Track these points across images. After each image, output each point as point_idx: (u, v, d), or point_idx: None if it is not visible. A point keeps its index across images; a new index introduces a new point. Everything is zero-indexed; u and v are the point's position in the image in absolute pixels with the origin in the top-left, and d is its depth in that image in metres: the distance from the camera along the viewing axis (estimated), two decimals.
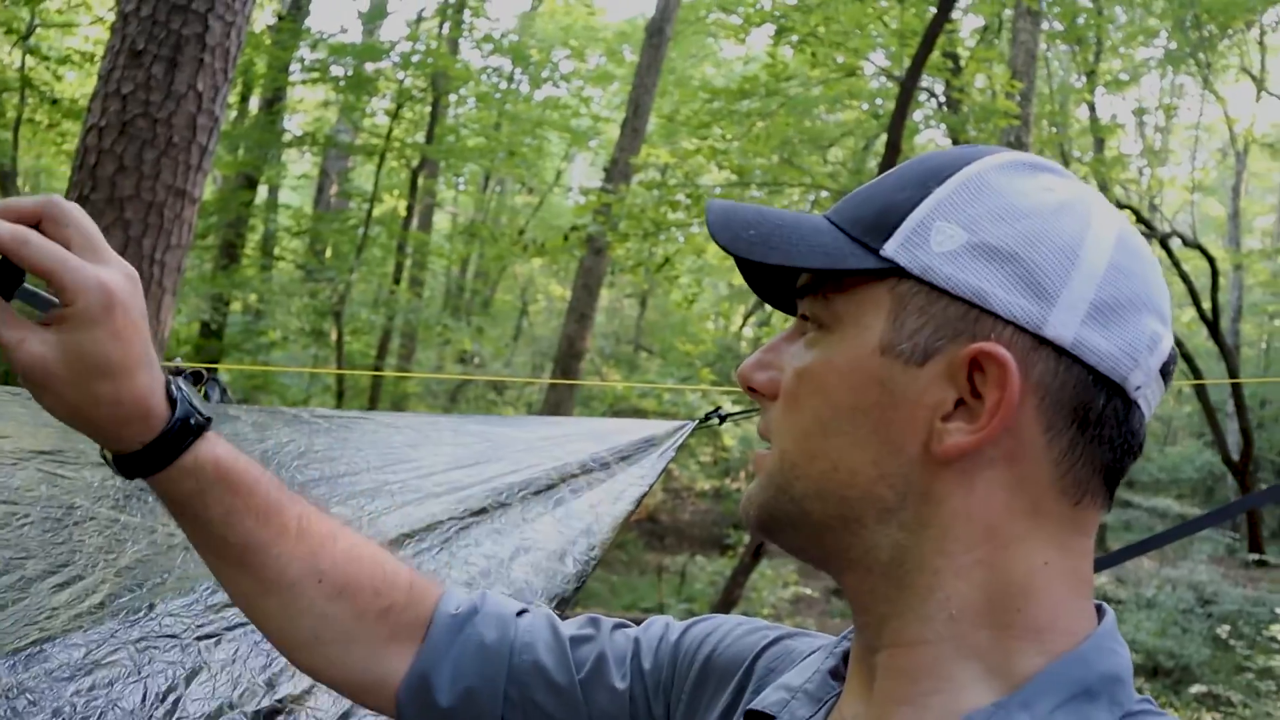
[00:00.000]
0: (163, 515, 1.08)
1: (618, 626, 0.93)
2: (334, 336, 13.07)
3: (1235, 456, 15.80)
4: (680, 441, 1.49)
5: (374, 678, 0.87)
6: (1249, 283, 24.00)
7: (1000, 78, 8.71)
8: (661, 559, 15.13)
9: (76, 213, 0.74)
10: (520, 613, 0.91)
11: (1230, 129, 21.74)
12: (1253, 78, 20.11)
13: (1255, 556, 15.46)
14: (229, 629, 0.97)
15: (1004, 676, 0.66)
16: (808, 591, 13.63)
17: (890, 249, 0.68)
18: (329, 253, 14.92)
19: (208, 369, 1.39)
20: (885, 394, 0.67)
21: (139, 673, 0.88)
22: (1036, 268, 0.66)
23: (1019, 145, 8.64)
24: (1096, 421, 0.66)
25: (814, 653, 0.82)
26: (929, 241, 0.67)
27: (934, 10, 6.84)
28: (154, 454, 0.78)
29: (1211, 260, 15.62)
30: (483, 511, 1.24)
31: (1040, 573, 0.67)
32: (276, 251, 14.72)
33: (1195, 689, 10.70)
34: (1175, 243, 16.57)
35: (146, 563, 1.00)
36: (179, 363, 1.38)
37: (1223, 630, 11.92)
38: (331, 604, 0.85)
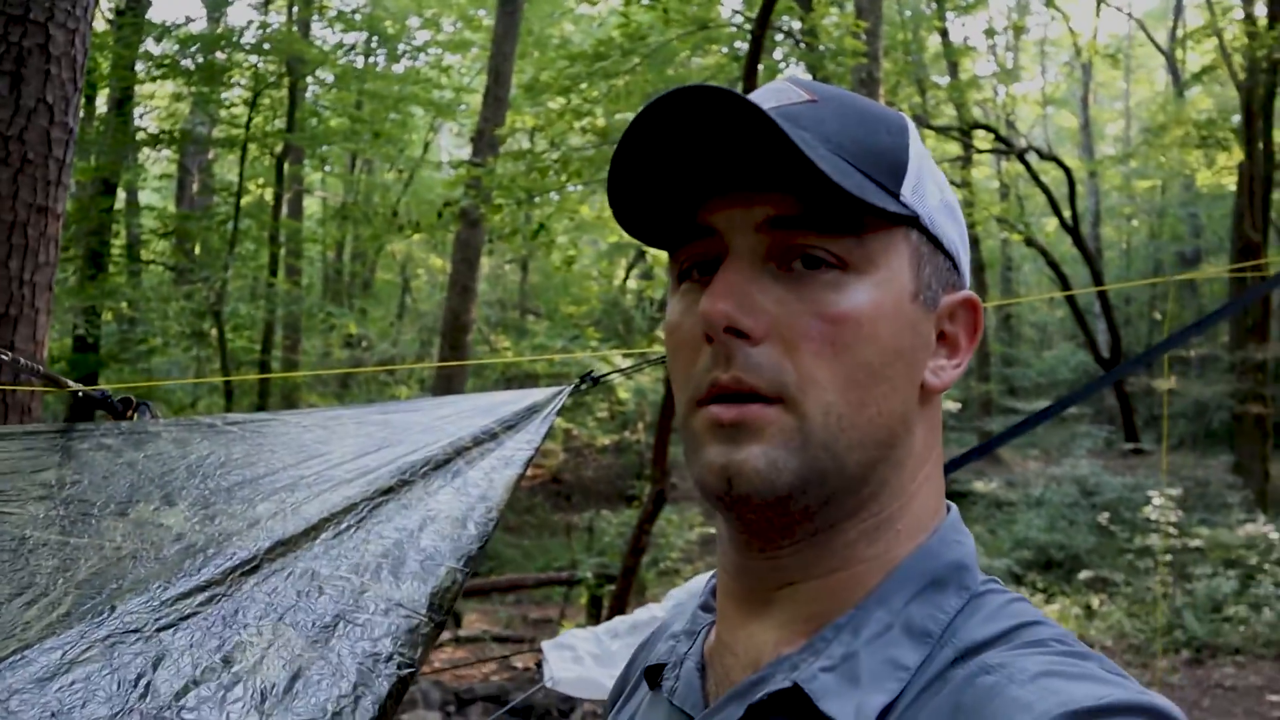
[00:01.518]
0: (108, 534, 1.22)
1: None
2: (215, 335, 12.81)
3: (1106, 354, 16.68)
4: (559, 405, 1.68)
5: None
6: (1104, 188, 25.16)
7: (846, 18, 9.00)
8: (569, 518, 15.34)
9: None
10: None
11: (1075, 43, 22.61)
12: None
13: (1131, 446, 16.42)
14: (183, 619, 1.13)
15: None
16: (712, 531, 14.02)
17: (908, 195, 0.69)
18: (199, 250, 14.56)
19: (135, 397, 1.51)
20: (916, 337, 0.70)
21: (111, 665, 1.03)
22: (964, 226, 0.76)
23: (870, 80, 8.98)
24: (977, 340, 0.76)
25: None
26: (926, 194, 0.70)
27: None
28: None
29: (1068, 170, 16.35)
30: (390, 490, 1.41)
31: (938, 478, 0.75)
32: (144, 255, 14.30)
33: (1083, 575, 11.39)
34: (1032, 157, 17.29)
35: (101, 574, 1.14)
36: (105, 390, 1.49)
37: (1103, 518, 12.67)
38: None
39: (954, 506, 0.76)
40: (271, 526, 1.27)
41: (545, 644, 2.36)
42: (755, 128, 0.64)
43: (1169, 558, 10.80)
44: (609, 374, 2.10)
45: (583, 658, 2.22)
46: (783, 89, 0.72)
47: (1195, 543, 11.03)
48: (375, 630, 1.20)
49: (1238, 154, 14.79)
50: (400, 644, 1.20)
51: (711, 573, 0.83)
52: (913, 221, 0.69)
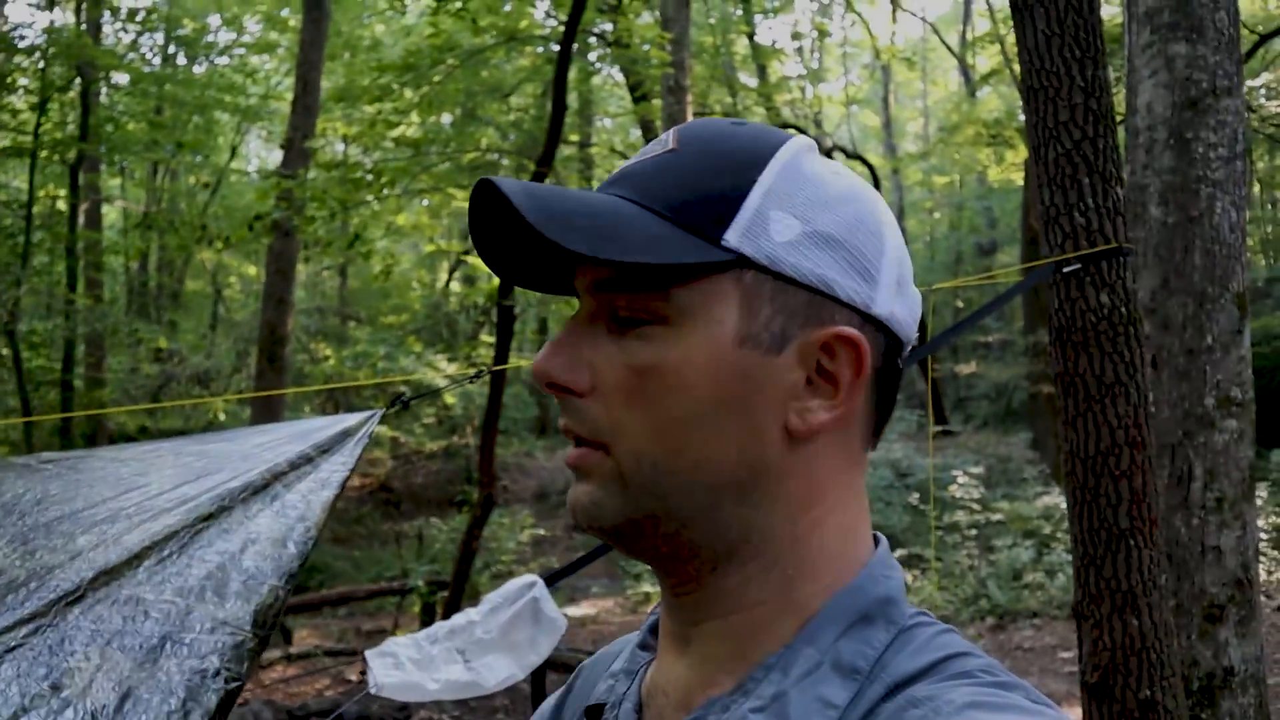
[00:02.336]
0: None
1: None
2: (10, 355, 12.08)
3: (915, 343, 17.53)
4: (371, 429, 1.79)
5: None
6: (907, 184, 26.56)
7: (651, 28, 9.27)
8: (400, 526, 15.16)
9: None
10: None
11: (875, 46, 23.77)
12: None
13: (940, 428, 17.42)
14: (8, 651, 1.19)
15: (805, 618, 0.70)
16: (542, 532, 14.14)
17: (733, 240, 0.67)
18: None
19: None
20: (747, 383, 0.68)
21: None
22: (861, 252, 0.70)
23: (678, 88, 9.29)
24: (894, 377, 0.74)
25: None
26: (769, 231, 0.68)
27: None
28: None
29: (871, 168, 17.25)
30: (211, 516, 1.49)
31: (848, 516, 0.73)
32: None
33: (898, 553, 12.02)
34: (839, 155, 18.14)
35: None
36: None
37: (914, 498, 13.40)
38: None
39: (884, 540, 0.76)
40: (93, 557, 1.33)
41: (368, 652, 2.46)
42: (518, 215, 0.68)
43: (974, 532, 11.54)
44: (420, 395, 2.21)
45: (404, 663, 2.34)
46: (658, 141, 0.74)
47: (997, 516, 11.81)
48: (202, 648, 1.29)
49: (1023, 152, 15.90)
50: (227, 660, 1.29)
51: (652, 610, 0.84)
52: (743, 263, 0.68)
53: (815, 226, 0.69)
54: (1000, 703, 0.61)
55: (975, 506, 11.78)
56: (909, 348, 0.75)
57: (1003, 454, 15.23)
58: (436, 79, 8.88)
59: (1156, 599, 2.66)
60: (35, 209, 13.78)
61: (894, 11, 24.02)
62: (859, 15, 23.51)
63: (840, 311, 0.70)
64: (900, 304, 0.73)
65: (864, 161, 17.70)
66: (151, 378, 15.33)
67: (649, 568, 0.76)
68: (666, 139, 0.73)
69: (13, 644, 1.19)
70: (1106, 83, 2.79)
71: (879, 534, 0.77)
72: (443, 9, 7.29)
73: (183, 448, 1.66)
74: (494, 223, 0.74)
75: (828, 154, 17.67)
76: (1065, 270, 2.66)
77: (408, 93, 8.43)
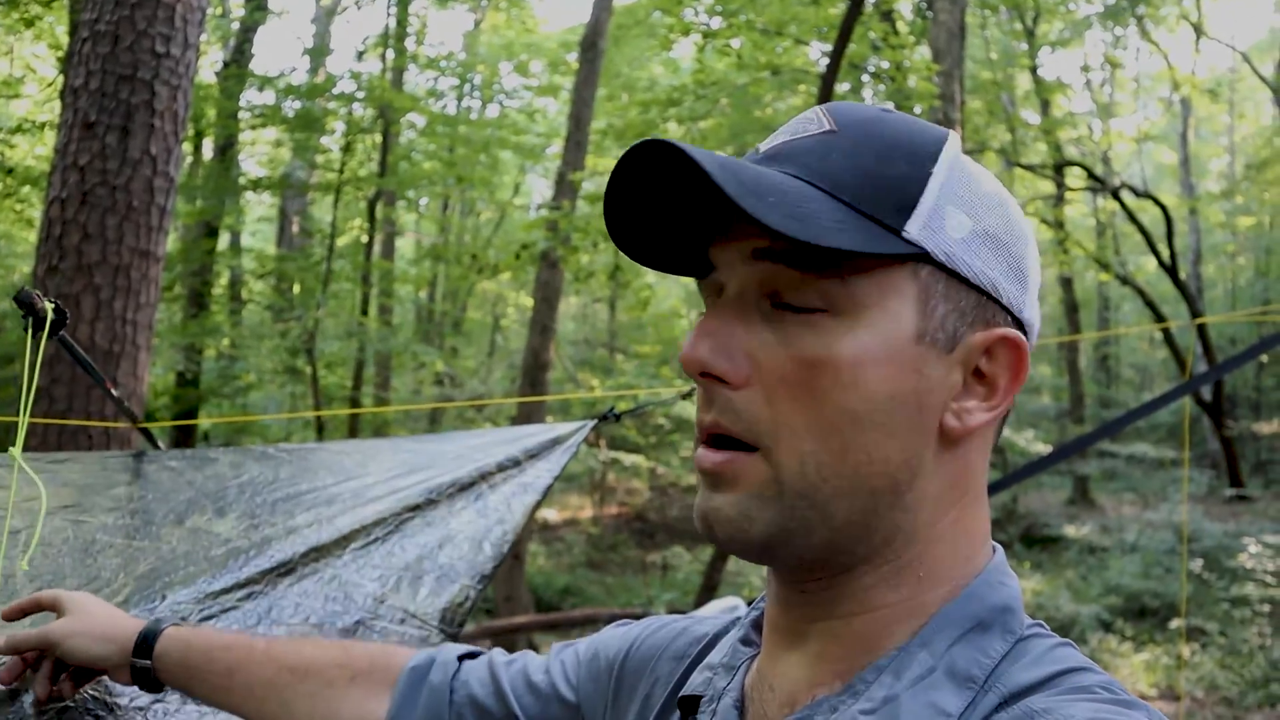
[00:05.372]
0: (166, 538, 1.40)
1: (562, 650, 1.02)
2: (308, 372, 13.29)
3: (1208, 398, 16.18)
4: (582, 437, 1.82)
5: None
6: (1206, 225, 24.51)
7: (919, 64, 9.07)
8: (651, 556, 15.41)
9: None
10: (465, 656, 1.04)
11: (1173, 77, 22.20)
12: (1192, 25, 20.50)
13: (1233, 492, 15.88)
14: (224, 611, 1.29)
15: (921, 620, 0.68)
16: None
17: (914, 232, 0.66)
18: (296, 290, 15.13)
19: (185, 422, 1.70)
20: (922, 381, 0.66)
21: None
22: (1018, 256, 0.69)
23: (946, 122, 9.00)
24: (1022, 380, 0.71)
25: (730, 632, 0.85)
26: (945, 227, 0.66)
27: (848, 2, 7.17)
28: (140, 678, 1.10)
29: (1164, 208, 16.07)
30: (417, 508, 1.57)
31: (979, 520, 0.72)
32: (244, 295, 14.92)
33: (1175, 624, 11.04)
34: (1128, 195, 17.00)
35: (157, 569, 1.32)
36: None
37: (1196, 565, 12.27)
38: (305, 684, 1.03)
39: (999, 549, 0.73)
40: (307, 534, 1.43)
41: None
42: (697, 178, 0.64)
43: (1267, 608, 10.42)
44: (634, 410, 2.24)
45: None
46: (806, 119, 0.71)
47: None
48: (390, 638, 1.36)
49: None
50: None
51: (752, 605, 0.83)
52: (923, 257, 0.66)
53: (983, 226, 0.68)
54: None
55: (1271, 580, 10.61)
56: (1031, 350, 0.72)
57: None
58: (706, 119, 9.05)
59: None
60: (339, 240, 15.11)
61: (1197, 40, 22.31)
62: (1156, 45, 22.01)
63: (1000, 314, 0.69)
64: (1036, 311, 0.72)
65: (1156, 201, 16.47)
66: (430, 399, 16.39)
67: None
68: (818, 118, 0.70)
69: (229, 605, 1.29)
70: None
71: (996, 542, 0.74)
72: (709, 44, 7.44)
73: (401, 445, 1.76)
74: (642, 191, 0.70)
75: (1114, 192, 16.61)
76: None
77: (673, 127, 8.62)
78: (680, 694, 0.81)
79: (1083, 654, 0.67)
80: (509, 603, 10.37)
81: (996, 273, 0.68)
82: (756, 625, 0.81)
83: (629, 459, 16.48)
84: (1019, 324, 0.70)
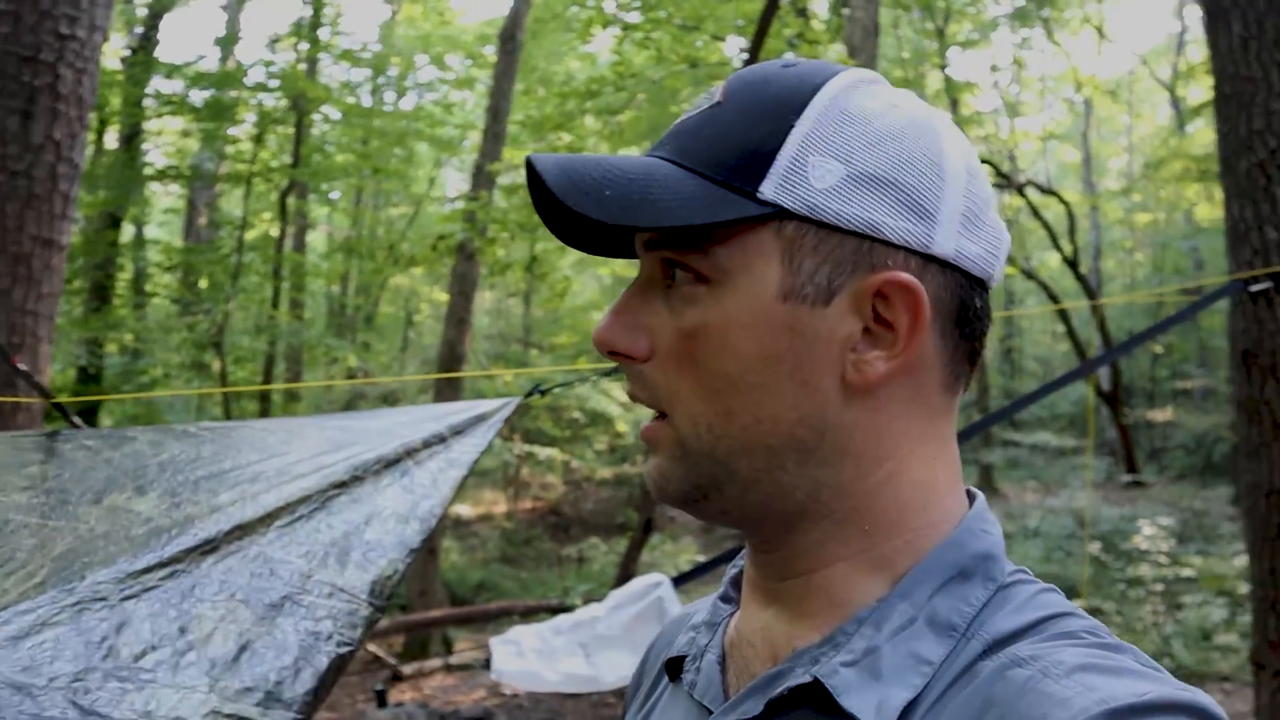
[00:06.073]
0: (84, 518, 1.36)
1: None
2: (217, 368, 12.99)
3: (1107, 387, 16.76)
4: (507, 414, 1.82)
5: None
6: (1106, 222, 25.32)
7: (840, 58, 9.21)
8: (566, 549, 15.42)
9: None
10: None
11: (1076, 78, 22.86)
12: (1094, 28, 21.15)
13: (1130, 477, 16.47)
14: (146, 590, 1.27)
15: (894, 573, 0.68)
16: (702, 559, 14.08)
17: (769, 191, 0.65)
18: (204, 284, 14.78)
19: (89, 402, 1.65)
20: (796, 338, 0.66)
21: (78, 628, 1.17)
22: (914, 189, 0.66)
23: None
24: (974, 318, 0.70)
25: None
26: (808, 179, 0.65)
27: None
28: None
29: (1067, 205, 16.57)
30: (343, 485, 1.55)
31: (932, 468, 0.70)
32: (149, 288, 14.51)
33: (1076, 604, 11.39)
34: (1033, 191, 17.49)
35: (75, 550, 1.28)
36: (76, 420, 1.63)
37: (1094, 548, 12.70)
38: None
39: (980, 495, 0.74)
40: (231, 512, 1.41)
41: (492, 640, 2.51)
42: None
43: (1160, 587, 10.84)
44: (558, 385, 2.25)
45: (526, 652, 2.35)
46: (705, 95, 0.72)
47: (1188, 572, 11.07)
48: (318, 611, 1.34)
49: None
50: (340, 625, 1.34)
51: (730, 563, 0.85)
52: (783, 214, 0.65)
53: (860, 168, 0.66)
54: (1113, 665, 0.59)
55: (1163, 560, 11.04)
56: (994, 277, 0.71)
57: (1199, 508, 14.22)
58: (624, 113, 9.08)
59: None
60: (249, 233, 14.79)
61: (1099, 43, 23.06)
62: (1060, 46, 22.65)
63: (894, 255, 0.66)
64: (972, 239, 0.68)
65: (1059, 197, 16.99)
66: (343, 394, 16.16)
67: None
68: (715, 92, 0.72)
69: (150, 584, 1.27)
70: None
71: (973, 489, 0.74)
72: (628, 36, 7.46)
73: (326, 422, 1.75)
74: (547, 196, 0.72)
75: (1020, 189, 17.11)
76: (1253, 289, 2.46)
77: (590, 121, 8.63)
78: (667, 657, 0.83)
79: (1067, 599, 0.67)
80: (423, 597, 10.28)
81: (879, 214, 0.65)
82: (735, 583, 0.82)
83: (544, 452, 16.45)
84: (935, 260, 0.67)
